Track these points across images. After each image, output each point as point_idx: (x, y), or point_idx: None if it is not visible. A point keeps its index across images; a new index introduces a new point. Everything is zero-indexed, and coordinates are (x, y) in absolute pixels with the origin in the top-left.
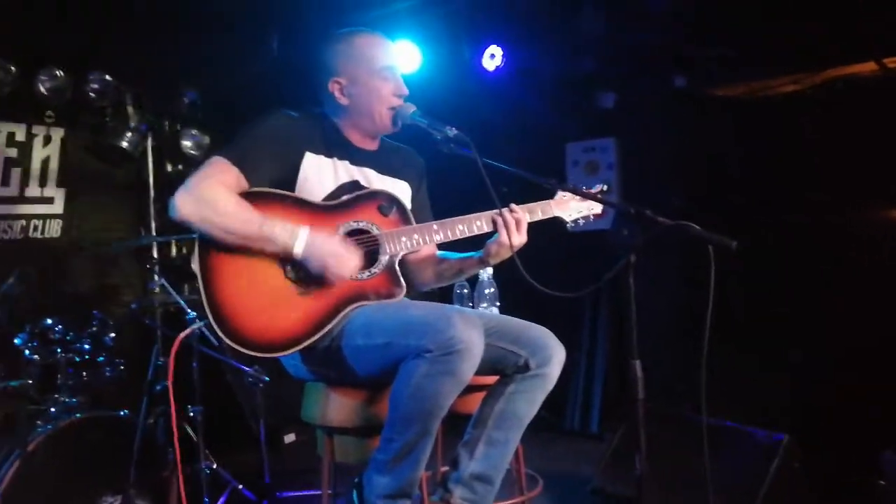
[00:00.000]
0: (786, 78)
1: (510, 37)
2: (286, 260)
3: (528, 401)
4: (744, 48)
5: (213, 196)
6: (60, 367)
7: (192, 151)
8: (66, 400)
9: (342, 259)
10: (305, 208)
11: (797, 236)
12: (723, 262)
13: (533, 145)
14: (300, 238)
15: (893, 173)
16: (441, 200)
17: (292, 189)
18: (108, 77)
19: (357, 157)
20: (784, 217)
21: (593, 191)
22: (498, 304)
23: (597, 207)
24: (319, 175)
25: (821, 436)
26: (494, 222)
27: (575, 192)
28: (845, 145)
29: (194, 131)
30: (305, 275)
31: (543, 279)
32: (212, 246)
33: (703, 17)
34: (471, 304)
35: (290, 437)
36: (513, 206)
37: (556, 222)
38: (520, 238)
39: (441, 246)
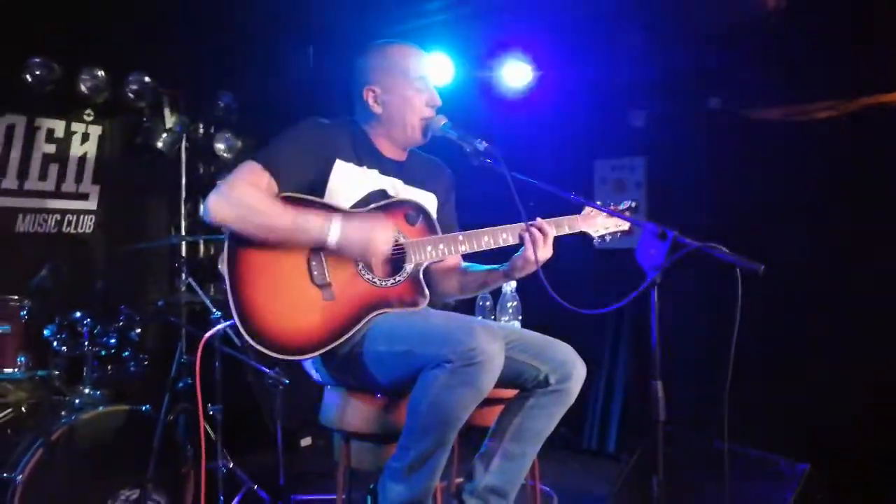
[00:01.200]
0: (822, 103)
1: (545, 51)
2: (313, 263)
3: (547, 416)
4: (781, 72)
5: (246, 196)
6: (87, 360)
7: (224, 154)
8: (91, 392)
9: (382, 244)
10: (334, 213)
11: (824, 261)
12: (750, 286)
13: (561, 160)
14: (334, 227)
15: None
16: (468, 211)
17: (321, 196)
18: (147, 78)
19: (386, 166)
20: (808, 240)
21: (621, 207)
22: (520, 317)
23: (624, 224)
24: (349, 183)
25: (846, 467)
26: (521, 236)
27: (601, 209)
28: (879, 172)
29: (228, 134)
30: (332, 278)
31: (567, 295)
32: (241, 248)
33: (740, 40)
34: (493, 317)
35: (306, 441)
36: (539, 220)
37: (583, 238)
38: (546, 252)
39: (466, 257)
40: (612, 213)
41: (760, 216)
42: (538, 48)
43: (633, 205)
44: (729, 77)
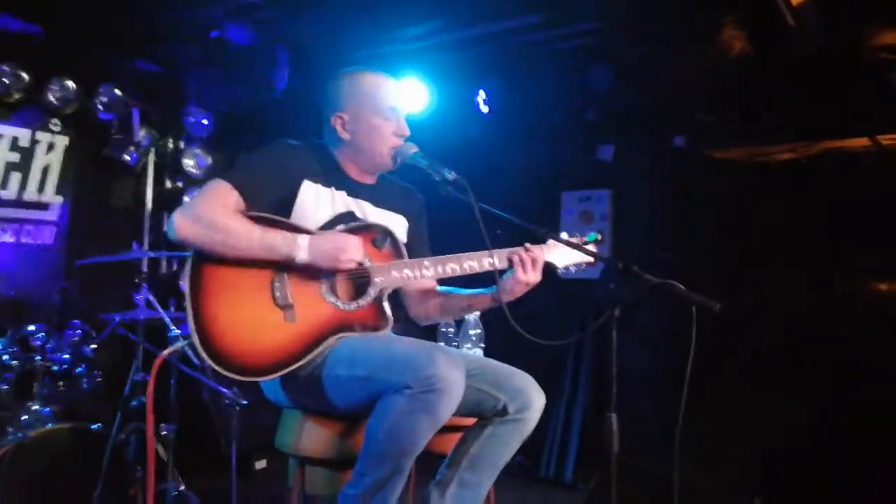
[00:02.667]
0: (783, 146)
1: (517, 82)
2: (276, 285)
3: (504, 445)
4: (745, 115)
5: (212, 214)
6: (37, 375)
7: (193, 170)
8: (40, 409)
9: (349, 244)
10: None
11: (781, 294)
12: (708, 321)
13: (530, 190)
14: (302, 241)
15: (883, 243)
16: (436, 239)
17: (288, 216)
18: (117, 91)
19: (354, 189)
20: (772, 278)
21: (586, 240)
22: (482, 345)
23: (588, 256)
24: (316, 203)
25: (793, 498)
26: (510, 259)
27: (563, 241)
28: (838, 214)
29: (198, 151)
30: (294, 299)
31: (530, 324)
32: (203, 266)
33: (708, 83)
34: (455, 344)
35: (261, 464)
36: (528, 245)
37: (548, 267)
38: (536, 276)
39: (447, 282)
40: (574, 247)
41: (722, 252)
42: (512, 79)
43: (598, 237)
44: (694, 117)
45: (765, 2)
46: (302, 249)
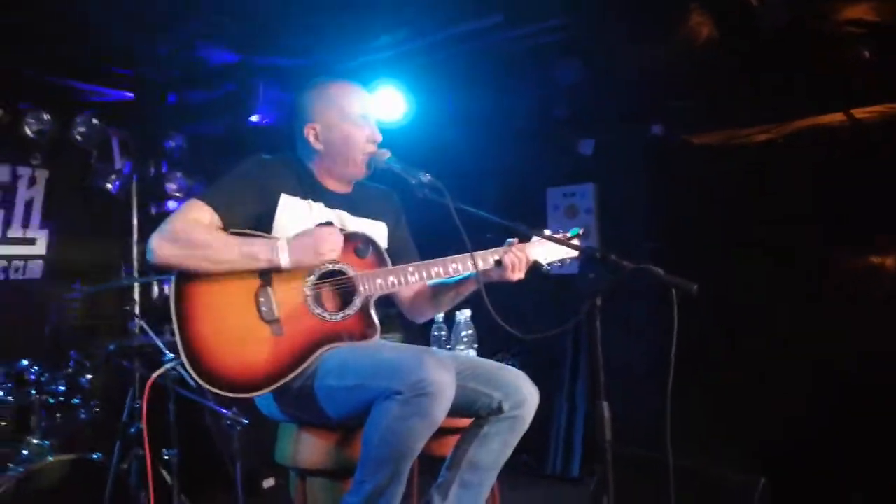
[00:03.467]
0: (759, 127)
1: (492, 83)
2: (261, 300)
3: (502, 443)
4: (718, 99)
5: (188, 231)
6: (34, 409)
7: (176, 194)
8: (39, 442)
9: (327, 234)
10: None
11: (770, 276)
12: (695, 303)
13: (515, 189)
14: (281, 244)
15: (861, 217)
16: (416, 242)
17: (269, 231)
18: (94, 120)
19: (331, 199)
20: (757, 258)
21: (569, 234)
22: (475, 346)
23: (572, 251)
24: (295, 217)
25: (796, 479)
26: (501, 262)
27: (543, 236)
28: (816, 191)
29: (179, 174)
30: (280, 313)
31: (522, 322)
32: (187, 286)
33: (679, 69)
34: (448, 346)
35: (269, 482)
36: (516, 245)
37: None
38: (521, 274)
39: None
40: (557, 242)
41: (706, 238)
42: (486, 80)
43: (580, 231)
44: (669, 105)
45: None
46: (283, 250)
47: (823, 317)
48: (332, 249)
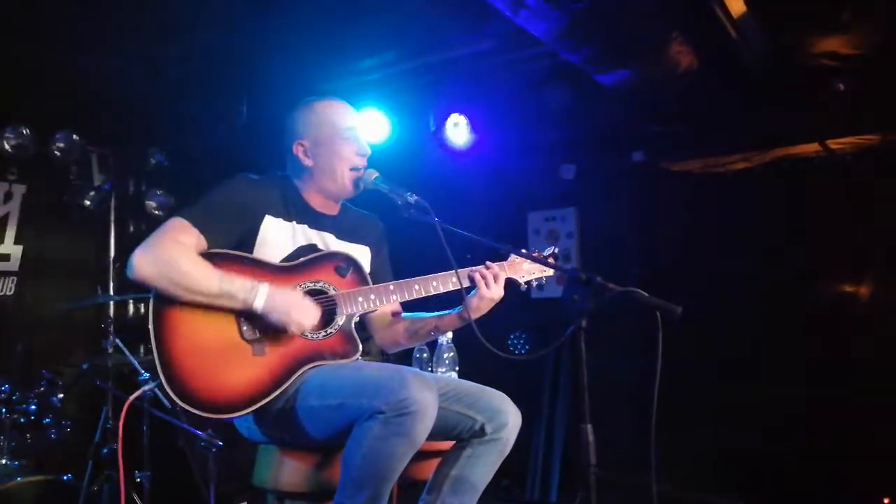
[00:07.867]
0: (737, 155)
1: (477, 108)
2: (242, 319)
3: (484, 465)
4: (698, 127)
5: (172, 255)
6: (4, 429)
7: (156, 212)
8: (8, 463)
9: (304, 309)
10: (264, 269)
11: (749, 301)
12: (678, 328)
13: (497, 213)
14: (261, 293)
15: (836, 244)
16: (401, 262)
17: (250, 251)
18: (74, 136)
19: (316, 220)
20: (735, 282)
21: (545, 253)
22: (457, 368)
23: (548, 270)
24: (277, 238)
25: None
26: (471, 277)
27: (525, 255)
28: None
29: (160, 192)
30: (262, 333)
31: (505, 345)
32: (167, 305)
33: (661, 97)
34: (430, 368)
35: None
36: (489, 262)
37: (513, 285)
38: (498, 291)
39: (410, 307)
40: (534, 259)
41: (686, 262)
42: (471, 104)
43: (555, 250)
44: (649, 131)
45: (708, 16)
46: (262, 296)
47: (806, 343)
48: (300, 323)
